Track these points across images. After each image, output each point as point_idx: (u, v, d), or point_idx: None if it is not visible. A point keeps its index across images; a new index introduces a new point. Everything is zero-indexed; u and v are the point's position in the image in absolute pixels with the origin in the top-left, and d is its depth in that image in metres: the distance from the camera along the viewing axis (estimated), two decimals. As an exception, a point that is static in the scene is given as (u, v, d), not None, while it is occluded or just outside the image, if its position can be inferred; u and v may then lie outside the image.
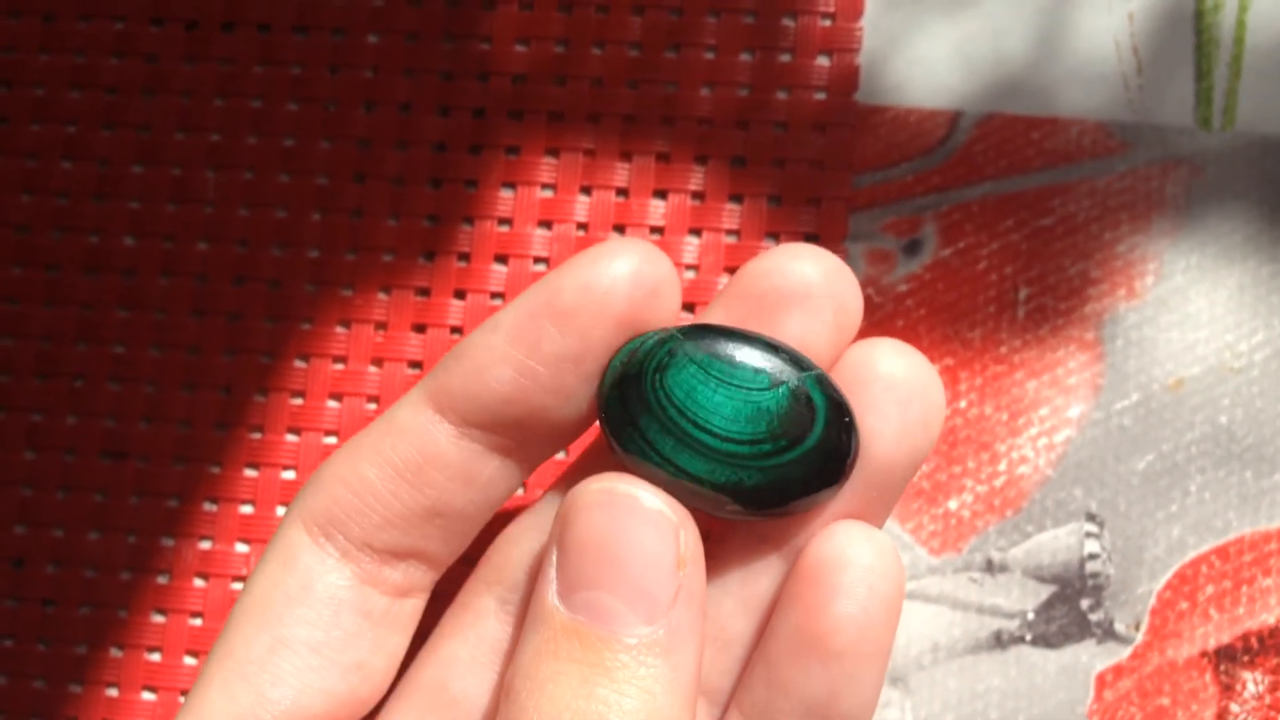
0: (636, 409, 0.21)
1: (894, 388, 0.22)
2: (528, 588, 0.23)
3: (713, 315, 0.23)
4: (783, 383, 0.21)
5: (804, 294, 0.22)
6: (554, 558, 0.21)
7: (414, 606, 0.24)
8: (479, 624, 0.24)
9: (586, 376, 0.22)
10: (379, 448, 0.23)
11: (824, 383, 0.22)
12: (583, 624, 0.20)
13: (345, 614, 0.23)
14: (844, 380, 0.22)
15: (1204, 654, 0.33)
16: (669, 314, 0.23)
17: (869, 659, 0.21)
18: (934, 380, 0.22)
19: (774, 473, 0.21)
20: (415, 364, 0.36)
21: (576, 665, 0.20)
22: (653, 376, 0.21)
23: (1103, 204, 0.35)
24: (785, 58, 0.36)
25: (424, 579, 0.24)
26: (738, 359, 0.21)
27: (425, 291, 0.36)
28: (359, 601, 0.23)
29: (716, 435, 0.21)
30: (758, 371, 0.21)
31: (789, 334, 0.22)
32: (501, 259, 0.36)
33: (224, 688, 0.22)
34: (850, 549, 0.22)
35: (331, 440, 0.35)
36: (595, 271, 0.22)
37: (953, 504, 0.34)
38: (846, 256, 0.35)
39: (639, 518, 0.20)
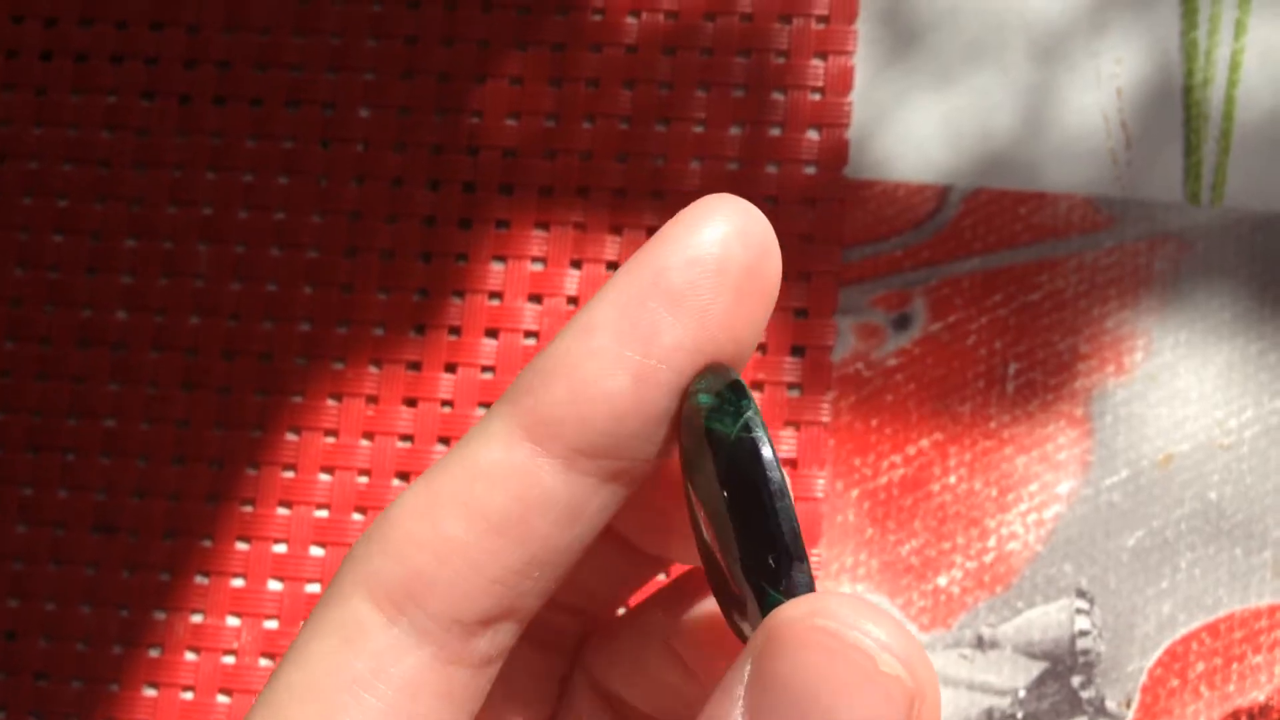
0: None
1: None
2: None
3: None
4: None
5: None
6: (745, 675, 0.18)
7: (494, 672, 0.21)
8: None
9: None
10: (465, 499, 0.19)
11: None
12: None
13: (423, 699, 0.20)
14: None
15: (1194, 733, 0.33)
16: (777, 274, 0.19)
17: None
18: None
19: None
20: (406, 437, 0.36)
21: None
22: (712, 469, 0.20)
23: (1091, 279, 0.35)
24: (775, 131, 0.36)
25: (510, 639, 0.20)
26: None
27: (416, 365, 0.36)
28: (438, 684, 0.20)
29: None
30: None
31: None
32: (492, 333, 0.36)
33: None
34: None
35: (323, 514, 0.36)
36: (701, 240, 0.19)
37: (942, 580, 0.34)
38: (836, 331, 0.35)
39: (869, 681, 0.17)
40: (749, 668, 0.17)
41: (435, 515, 0.19)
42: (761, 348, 0.35)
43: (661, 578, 0.33)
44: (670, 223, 0.19)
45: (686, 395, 0.19)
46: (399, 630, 0.19)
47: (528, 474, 0.19)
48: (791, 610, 0.17)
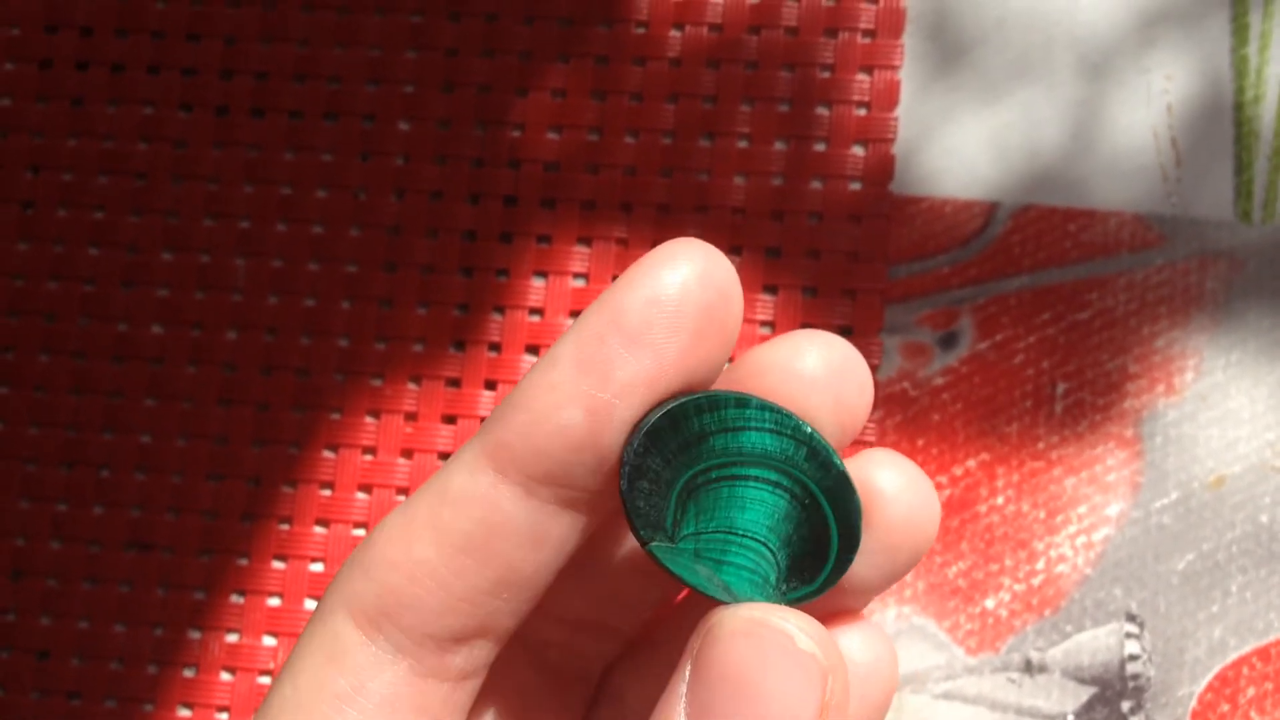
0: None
1: (890, 531, 0.21)
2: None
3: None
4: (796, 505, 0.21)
5: (804, 396, 0.21)
6: (686, 674, 0.19)
7: (473, 687, 0.22)
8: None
9: (662, 400, 0.20)
10: (434, 523, 0.20)
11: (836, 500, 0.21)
12: None
13: (401, 713, 0.21)
14: None
15: (1247, 759, 0.33)
16: (737, 317, 0.20)
17: None
18: (930, 519, 0.21)
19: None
20: (445, 455, 0.35)
21: None
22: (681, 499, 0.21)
23: (1141, 298, 0.34)
24: (820, 147, 0.36)
25: (487, 657, 0.22)
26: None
27: (455, 382, 0.36)
28: (416, 698, 0.21)
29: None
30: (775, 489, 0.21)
31: None
32: (533, 350, 0.36)
33: None
34: (846, 652, 0.21)
35: (361, 533, 0.35)
36: (660, 281, 0.19)
37: (990, 603, 0.34)
38: (881, 350, 0.35)
39: (788, 657, 0.19)
40: (690, 665, 0.19)
41: (408, 539, 0.20)
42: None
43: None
44: (635, 264, 0.20)
45: (634, 429, 0.20)
46: (376, 647, 0.20)
47: (489, 500, 0.20)
48: (722, 610, 0.19)
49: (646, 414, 0.20)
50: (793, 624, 0.19)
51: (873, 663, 0.21)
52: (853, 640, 0.21)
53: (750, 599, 0.20)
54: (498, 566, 0.20)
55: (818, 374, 0.21)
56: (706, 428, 0.20)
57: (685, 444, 0.20)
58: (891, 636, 0.34)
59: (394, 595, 0.21)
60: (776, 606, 0.20)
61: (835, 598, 0.22)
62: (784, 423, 0.20)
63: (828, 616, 0.22)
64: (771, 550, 0.21)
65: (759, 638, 0.19)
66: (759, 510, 0.20)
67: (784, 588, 0.21)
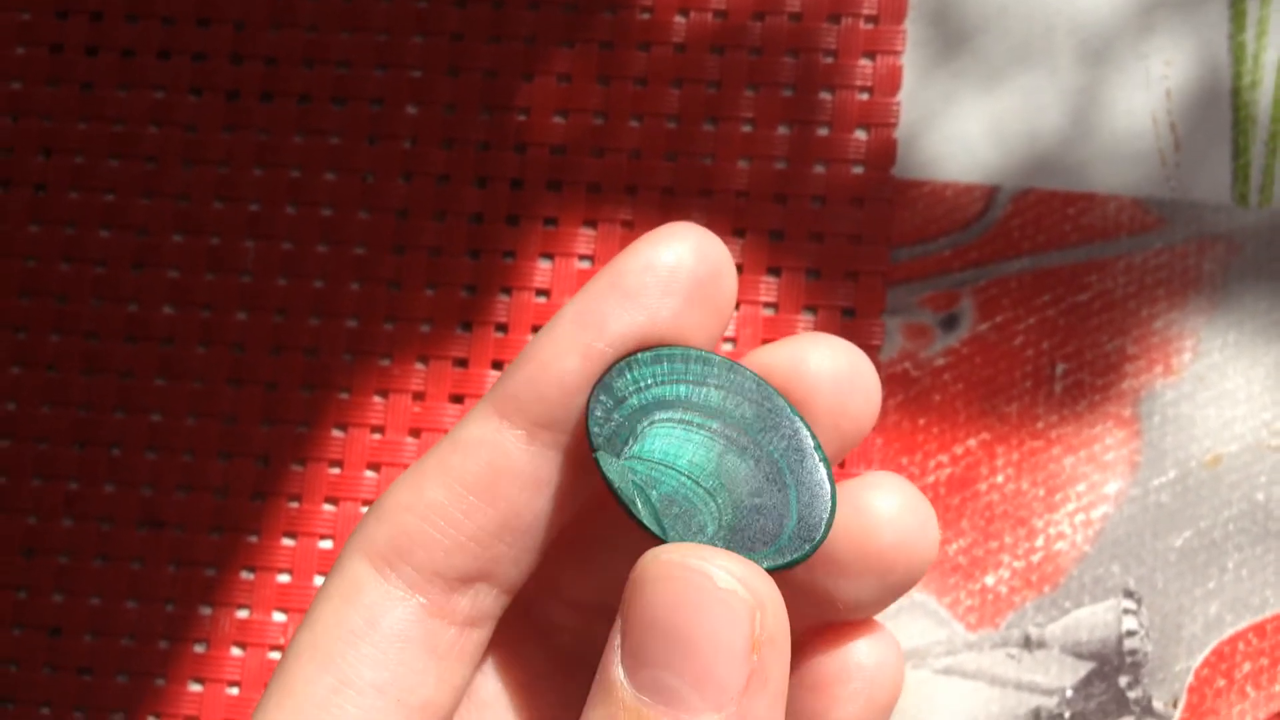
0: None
1: (883, 555, 0.22)
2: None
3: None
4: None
5: (806, 400, 0.22)
6: (619, 625, 0.20)
7: (480, 638, 0.23)
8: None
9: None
10: (445, 468, 0.22)
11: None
12: (647, 705, 0.19)
13: (412, 651, 0.22)
14: None
15: (1242, 733, 0.33)
16: (730, 294, 0.22)
17: None
18: (927, 545, 0.22)
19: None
20: (453, 435, 0.36)
21: None
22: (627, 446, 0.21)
23: (1139, 280, 0.35)
24: (823, 131, 0.36)
25: (492, 606, 0.23)
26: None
27: (463, 362, 0.36)
28: (426, 637, 0.22)
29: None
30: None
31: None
32: (539, 330, 0.36)
33: None
34: (854, 655, 0.22)
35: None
36: (658, 251, 0.21)
37: (990, 579, 0.34)
38: (883, 331, 0.35)
39: (710, 597, 0.19)
40: (620, 617, 0.20)
41: (421, 484, 0.22)
42: (809, 347, 0.35)
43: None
44: (637, 239, 0.21)
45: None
46: (389, 585, 0.22)
47: (496, 445, 0.21)
48: (645, 557, 0.20)
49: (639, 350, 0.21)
50: (711, 563, 0.19)
51: (878, 666, 0.22)
52: (859, 645, 0.22)
53: (677, 540, 0.20)
54: (503, 509, 0.22)
55: (822, 379, 0.21)
56: (691, 375, 0.21)
57: (662, 380, 0.21)
58: (892, 612, 0.34)
59: (406, 535, 0.22)
60: (696, 546, 0.20)
61: (830, 614, 0.22)
62: (774, 405, 0.21)
63: (834, 623, 0.22)
64: (716, 502, 0.21)
65: (679, 580, 0.19)
66: (711, 458, 0.21)
67: (719, 542, 0.21)
